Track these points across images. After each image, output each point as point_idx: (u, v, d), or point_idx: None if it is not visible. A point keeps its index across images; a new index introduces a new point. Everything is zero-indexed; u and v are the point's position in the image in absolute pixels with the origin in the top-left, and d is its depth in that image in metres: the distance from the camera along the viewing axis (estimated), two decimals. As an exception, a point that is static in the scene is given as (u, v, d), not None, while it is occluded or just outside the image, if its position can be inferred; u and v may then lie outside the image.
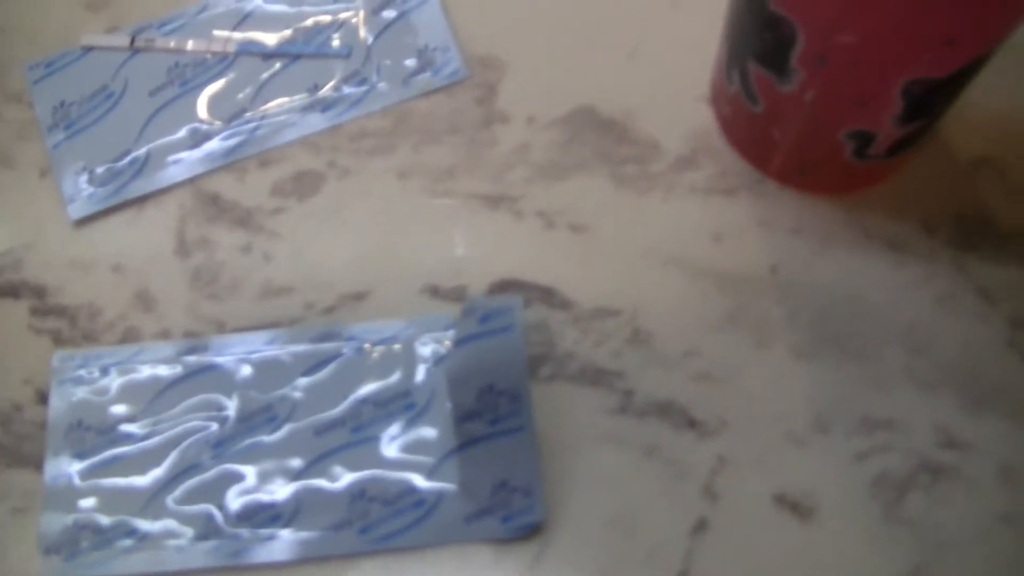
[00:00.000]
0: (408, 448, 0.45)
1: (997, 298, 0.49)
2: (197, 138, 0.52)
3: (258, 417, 0.46)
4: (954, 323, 0.48)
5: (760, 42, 0.42)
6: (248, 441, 0.45)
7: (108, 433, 0.45)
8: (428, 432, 0.45)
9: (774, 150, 0.49)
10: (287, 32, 0.54)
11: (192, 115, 0.53)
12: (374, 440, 0.45)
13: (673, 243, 0.50)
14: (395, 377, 0.46)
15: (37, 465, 0.47)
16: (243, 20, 0.55)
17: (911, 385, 0.47)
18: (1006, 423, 0.46)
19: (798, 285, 0.49)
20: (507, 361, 0.45)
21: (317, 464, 0.45)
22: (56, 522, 0.45)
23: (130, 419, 0.45)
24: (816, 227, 0.50)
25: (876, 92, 0.41)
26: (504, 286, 0.48)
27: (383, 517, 0.44)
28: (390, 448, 0.45)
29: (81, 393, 0.47)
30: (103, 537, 0.44)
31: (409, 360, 0.46)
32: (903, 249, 0.50)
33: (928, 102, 0.42)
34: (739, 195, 0.51)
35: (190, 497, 0.43)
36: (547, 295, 0.48)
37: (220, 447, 0.45)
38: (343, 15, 0.55)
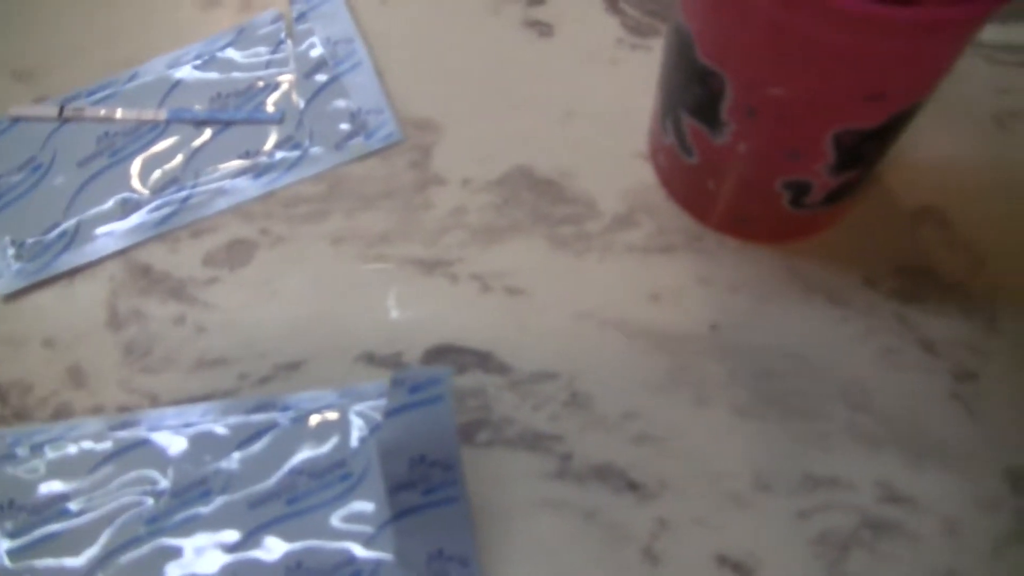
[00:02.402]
0: (345, 518, 0.48)
1: (940, 350, 0.53)
2: (128, 209, 0.56)
3: (193, 491, 0.49)
4: (897, 377, 0.52)
5: (691, 95, 0.46)
6: (183, 515, 0.48)
7: (41, 512, 0.47)
8: (365, 501, 0.48)
9: (712, 201, 0.53)
10: (219, 98, 0.60)
11: (123, 185, 0.56)
12: (310, 511, 0.48)
13: (611, 304, 0.54)
14: (330, 446, 0.50)
15: (-32, 546, 0.50)
16: (174, 87, 0.60)
17: (854, 441, 0.51)
18: (949, 476, 0.50)
19: (738, 343, 0.53)
20: (438, 432, 0.48)
21: (253, 536, 0.48)
22: (-13, 605, 0.47)
23: (63, 497, 0.47)
24: (756, 283, 0.54)
25: (807, 143, 0.45)
26: (440, 352, 0.53)
27: (321, 589, 0.47)
28: (327, 518, 0.48)
29: (13, 471, 0.48)
30: (36, 619, 0.47)
31: (344, 429, 0.50)
32: (845, 303, 0.54)
33: (860, 152, 0.45)
34: (677, 253, 0.55)
35: (126, 574, 0.47)
36: (484, 360, 0.53)
37: (155, 522, 0.48)
38: (275, 80, 0.60)
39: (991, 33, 0.62)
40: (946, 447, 0.51)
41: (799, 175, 0.47)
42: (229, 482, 0.49)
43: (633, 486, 0.49)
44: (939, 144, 0.58)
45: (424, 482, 0.47)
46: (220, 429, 0.50)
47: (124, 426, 0.50)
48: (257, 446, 0.49)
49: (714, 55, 0.43)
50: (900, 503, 0.49)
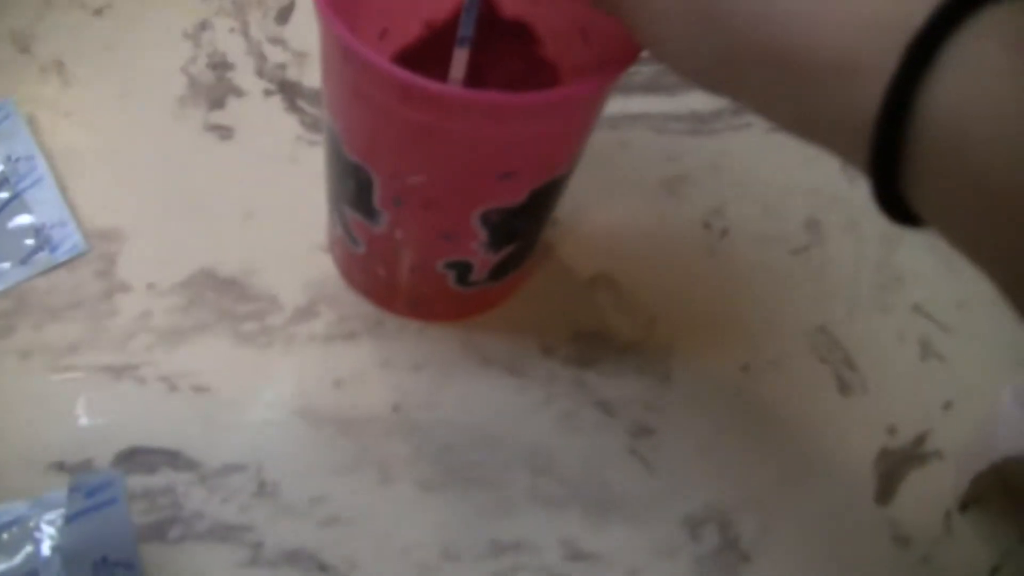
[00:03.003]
0: (39, 631, 0.53)
1: (616, 409, 0.61)
2: None
3: None
4: (576, 439, 0.59)
5: (347, 188, 0.52)
6: None
7: None
8: (59, 610, 0.53)
9: (386, 287, 0.60)
10: None
11: None
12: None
13: (296, 394, 0.60)
14: (21, 558, 0.52)
15: None
16: None
17: (537, 505, 0.57)
18: (631, 529, 0.57)
19: (421, 421, 0.59)
20: (116, 532, 0.52)
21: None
22: None
23: None
24: (437, 361, 0.61)
25: (456, 225, 0.51)
26: (130, 454, 0.58)
27: None
28: (19, 635, 0.51)
29: None
30: None
31: (35, 540, 0.54)
32: (523, 373, 0.61)
33: (512, 228, 0.52)
34: (359, 339, 0.62)
35: None
36: (173, 458, 0.58)
37: None
38: None
39: (659, 104, 0.74)
40: (626, 501, 0.58)
41: (457, 255, 0.54)
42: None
43: (324, 568, 0.55)
44: (613, 212, 0.66)
45: (110, 583, 0.54)
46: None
47: None
48: (-57, 569, 0.52)
49: (357, 149, 0.49)
50: (584, 559, 0.56)
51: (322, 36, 0.46)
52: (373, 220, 0.53)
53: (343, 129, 0.49)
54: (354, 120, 0.48)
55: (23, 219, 0.64)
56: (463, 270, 0.56)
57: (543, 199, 0.52)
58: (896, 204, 0.33)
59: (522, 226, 0.53)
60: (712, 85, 0.37)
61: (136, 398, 0.60)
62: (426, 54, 0.56)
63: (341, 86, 0.47)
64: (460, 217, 0.51)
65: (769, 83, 0.34)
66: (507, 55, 0.58)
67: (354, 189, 0.52)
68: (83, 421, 0.59)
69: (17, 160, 0.64)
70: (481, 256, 0.54)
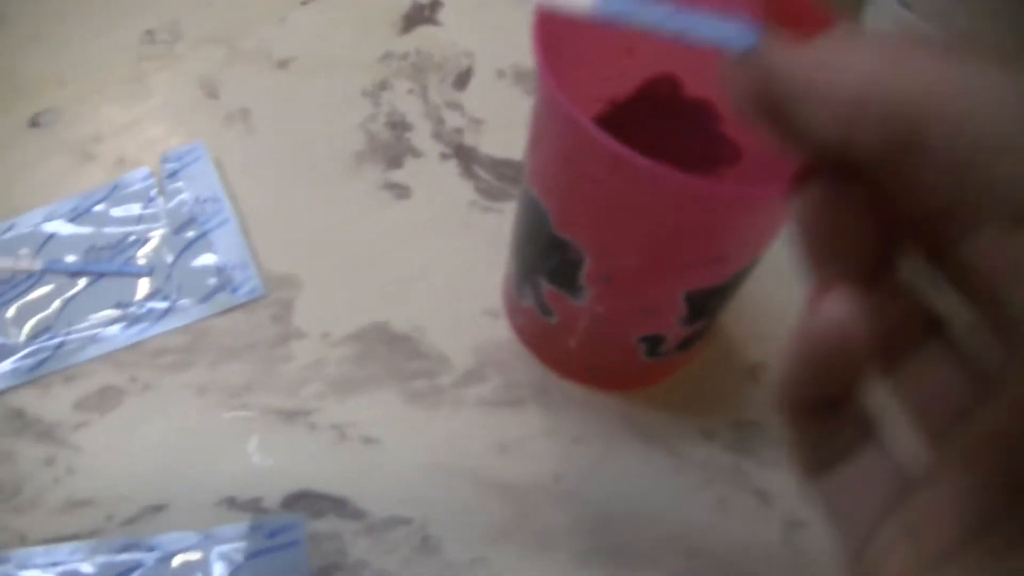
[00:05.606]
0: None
1: (773, 500, 0.62)
2: (2, 354, 0.63)
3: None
4: (732, 525, 0.61)
5: (549, 263, 0.54)
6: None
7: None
8: (227, 640, 0.54)
9: (569, 355, 0.62)
10: (92, 250, 0.67)
11: (-3, 332, 0.63)
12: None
13: (461, 455, 0.62)
14: None
15: None
16: (50, 239, 0.66)
17: None
18: None
19: (580, 493, 0.61)
20: (294, 574, 0.59)
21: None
22: None
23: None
24: (599, 434, 0.63)
25: (660, 302, 0.53)
26: (298, 497, 0.60)
27: None
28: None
29: None
30: None
31: (206, 570, 0.55)
32: (681, 454, 0.63)
33: (708, 304, 0.54)
34: (525, 406, 0.64)
35: None
36: (340, 505, 0.60)
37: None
38: (145, 235, 0.69)
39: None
40: (774, 591, 0.58)
41: (655, 330, 0.56)
42: (97, 620, 0.53)
43: (480, 627, 0.55)
44: (776, 299, 0.67)
45: (281, 622, 0.55)
46: (87, 568, 0.56)
47: (-5, 563, 0.55)
48: (123, 584, 0.56)
49: (569, 229, 0.50)
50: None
51: (539, 115, 0.48)
52: (575, 295, 0.53)
53: (556, 208, 0.51)
54: (568, 200, 0.50)
55: (207, 259, 0.67)
56: (656, 343, 0.58)
57: (741, 278, 0.53)
58: None
59: (717, 302, 0.55)
60: None
61: (306, 443, 0.62)
62: (607, 130, 0.58)
63: (558, 163, 0.49)
64: (667, 296, 0.53)
65: None
66: (689, 133, 0.59)
67: (558, 264, 0.53)
68: (254, 460, 0.62)
69: (205, 201, 0.67)
70: (675, 329, 0.56)
